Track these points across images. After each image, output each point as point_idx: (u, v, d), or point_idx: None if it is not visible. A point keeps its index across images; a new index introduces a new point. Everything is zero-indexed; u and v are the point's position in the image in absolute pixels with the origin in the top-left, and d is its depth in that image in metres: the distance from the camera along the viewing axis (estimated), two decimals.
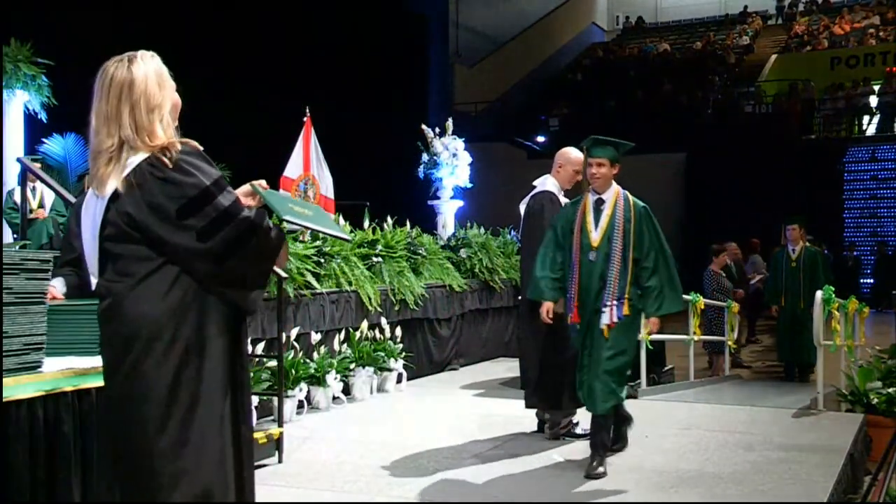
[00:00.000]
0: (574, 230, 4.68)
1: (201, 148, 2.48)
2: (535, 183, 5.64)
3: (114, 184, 2.38)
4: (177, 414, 2.35)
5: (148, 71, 2.44)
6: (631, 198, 4.71)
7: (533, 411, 5.59)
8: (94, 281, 2.49)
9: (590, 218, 4.67)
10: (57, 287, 3.49)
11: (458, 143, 9.90)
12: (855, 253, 19.50)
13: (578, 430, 5.34)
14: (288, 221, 2.61)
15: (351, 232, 7.41)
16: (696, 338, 8.31)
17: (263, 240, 2.46)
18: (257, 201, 2.55)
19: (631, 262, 4.57)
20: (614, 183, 4.74)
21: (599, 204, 4.69)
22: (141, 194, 2.35)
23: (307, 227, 2.75)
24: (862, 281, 18.88)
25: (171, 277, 2.37)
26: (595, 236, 4.62)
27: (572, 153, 5.56)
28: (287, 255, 2.79)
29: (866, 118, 21.85)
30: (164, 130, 2.43)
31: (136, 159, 2.39)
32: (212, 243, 2.36)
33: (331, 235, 3.08)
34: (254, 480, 2.60)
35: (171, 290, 2.37)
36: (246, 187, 2.59)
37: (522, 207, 5.66)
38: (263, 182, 2.67)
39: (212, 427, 2.40)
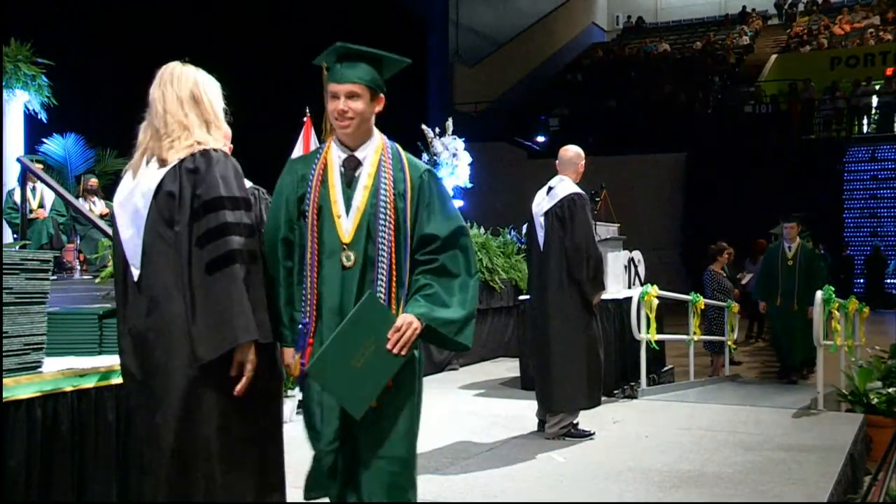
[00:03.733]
0: (309, 213, 2.70)
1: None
2: (551, 184, 5.53)
3: (166, 166, 2.57)
4: (197, 416, 2.47)
5: (213, 80, 2.80)
6: (405, 154, 2.83)
7: (533, 411, 5.59)
8: (135, 272, 2.57)
9: (335, 192, 2.72)
10: None
11: (458, 143, 9.89)
12: (849, 252, 19.55)
13: (578, 431, 5.35)
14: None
15: None
16: (696, 338, 8.31)
17: (241, 271, 2.47)
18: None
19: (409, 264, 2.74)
20: (377, 132, 2.83)
21: (352, 167, 2.75)
22: (179, 179, 2.52)
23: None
24: (856, 280, 18.96)
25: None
26: (347, 226, 2.69)
27: (580, 149, 5.60)
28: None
29: (866, 118, 21.86)
30: (219, 129, 2.71)
31: (191, 148, 2.58)
32: (202, 251, 2.46)
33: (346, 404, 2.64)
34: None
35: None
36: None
37: (543, 207, 5.48)
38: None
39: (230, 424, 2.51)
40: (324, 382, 2.54)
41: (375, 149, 2.77)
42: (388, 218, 2.68)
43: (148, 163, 2.57)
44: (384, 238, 2.68)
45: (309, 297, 2.66)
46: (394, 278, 2.68)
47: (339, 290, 2.66)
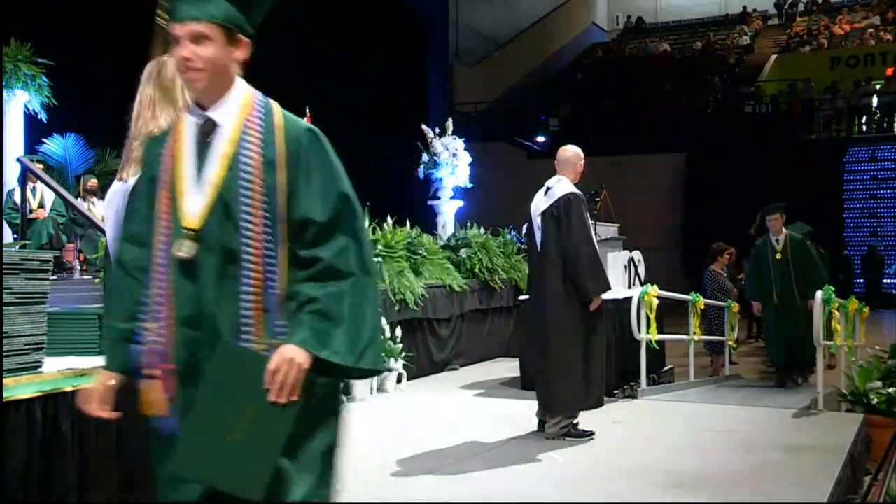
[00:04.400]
0: (157, 197, 2.07)
1: None
2: (549, 184, 5.51)
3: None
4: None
5: None
6: (280, 111, 2.13)
7: (532, 411, 5.60)
8: None
9: (184, 165, 2.06)
10: None
11: (458, 143, 9.92)
12: (848, 251, 19.59)
13: (578, 431, 5.35)
14: None
15: None
16: (696, 338, 8.31)
17: None
18: None
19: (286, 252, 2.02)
20: (242, 84, 2.15)
21: (207, 131, 2.07)
22: None
23: None
24: (856, 280, 19.02)
25: None
26: (194, 205, 2.02)
27: (578, 149, 5.59)
28: None
29: (866, 118, 21.88)
30: None
31: None
32: None
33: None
34: None
35: None
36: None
37: (540, 207, 5.45)
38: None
39: None
40: (202, 477, 1.93)
41: (239, 106, 2.07)
42: (252, 195, 1.98)
43: (124, 164, 2.56)
44: (249, 223, 1.97)
45: (154, 305, 2.00)
46: (269, 282, 1.97)
47: (193, 296, 1.97)
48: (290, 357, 1.91)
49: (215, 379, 1.91)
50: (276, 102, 2.13)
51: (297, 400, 1.91)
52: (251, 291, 1.96)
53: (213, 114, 2.06)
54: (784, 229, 8.56)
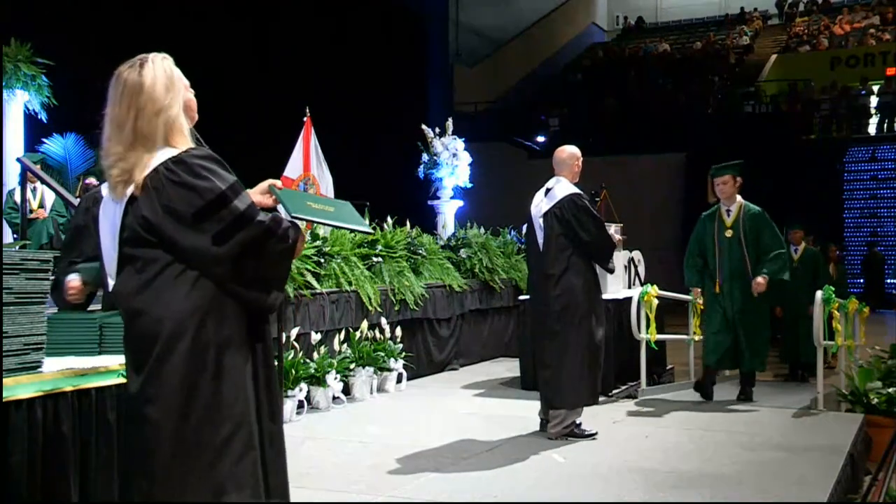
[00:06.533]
0: None
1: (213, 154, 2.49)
2: (549, 185, 5.52)
3: (129, 188, 2.40)
4: (194, 416, 2.33)
5: (157, 74, 2.47)
6: None
7: (532, 411, 5.60)
8: (111, 283, 2.47)
9: None
10: (74, 279, 3.51)
11: (458, 143, 9.92)
12: (844, 252, 19.60)
13: (581, 430, 5.35)
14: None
15: (350, 232, 7.42)
16: (696, 338, 8.30)
17: (280, 243, 2.46)
18: (273, 200, 2.59)
19: None
20: None
21: None
22: (157, 197, 2.36)
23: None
24: (856, 280, 19.03)
25: (191, 279, 2.37)
26: None
27: (575, 149, 5.62)
28: (303, 247, 2.70)
29: (866, 118, 21.89)
30: (174, 134, 2.43)
31: (153, 162, 2.39)
32: (227, 247, 2.36)
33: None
34: (285, 479, 2.75)
35: (192, 291, 2.36)
36: (263, 185, 2.62)
37: (542, 208, 5.46)
38: (278, 182, 2.70)
39: (229, 427, 2.38)
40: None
41: None
42: None
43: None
44: None
45: None
46: None
47: None
48: None
49: None
50: None
51: None
52: None
53: None
54: (738, 198, 6.88)
